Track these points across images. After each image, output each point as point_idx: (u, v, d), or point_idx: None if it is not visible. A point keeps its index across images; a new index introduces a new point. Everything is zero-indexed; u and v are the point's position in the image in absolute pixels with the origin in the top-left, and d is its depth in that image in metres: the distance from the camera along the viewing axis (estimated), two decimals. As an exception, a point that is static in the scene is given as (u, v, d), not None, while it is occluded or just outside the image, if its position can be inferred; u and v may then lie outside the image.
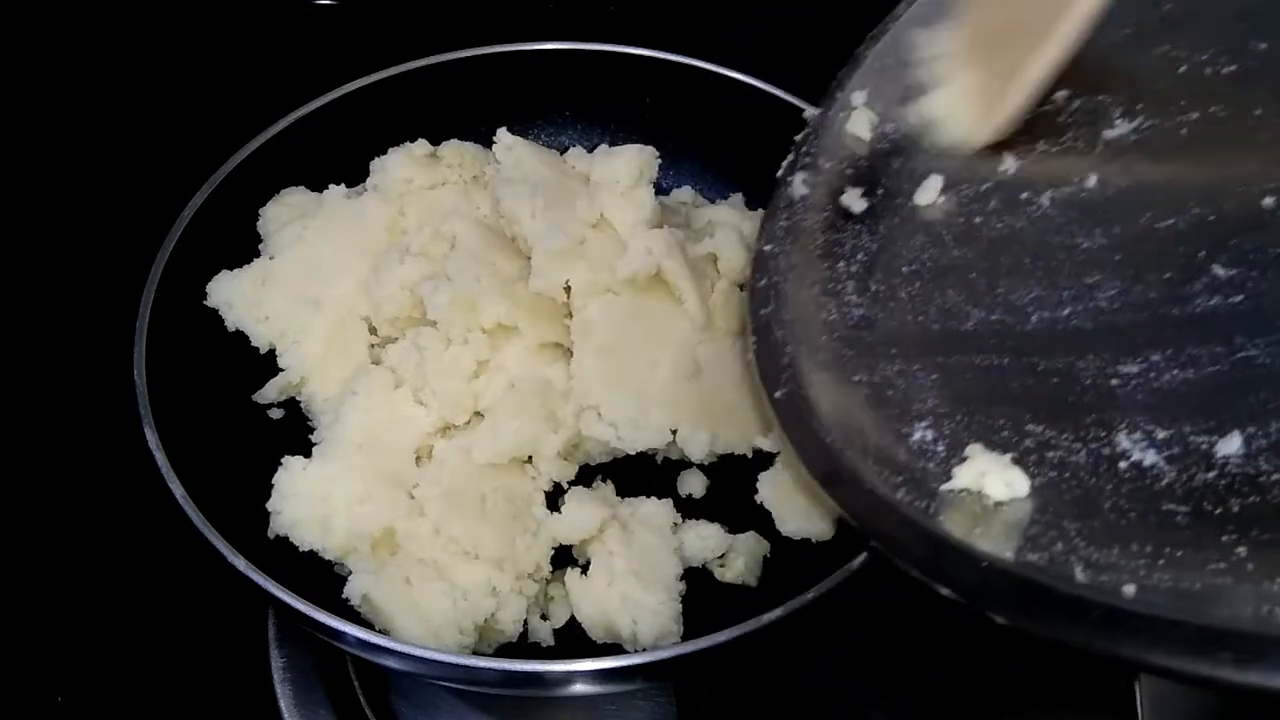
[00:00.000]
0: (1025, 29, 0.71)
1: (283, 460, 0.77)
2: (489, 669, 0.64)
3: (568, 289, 0.82)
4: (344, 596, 0.72)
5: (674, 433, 0.81)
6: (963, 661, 0.88)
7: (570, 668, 0.65)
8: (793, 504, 0.81)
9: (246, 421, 0.85)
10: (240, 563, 0.66)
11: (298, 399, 0.86)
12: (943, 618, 0.90)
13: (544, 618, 0.78)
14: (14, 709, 0.83)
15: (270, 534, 0.75)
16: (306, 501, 0.75)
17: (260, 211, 0.92)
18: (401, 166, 0.93)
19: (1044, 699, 0.85)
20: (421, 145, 0.95)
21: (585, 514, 0.77)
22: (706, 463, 0.84)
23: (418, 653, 0.63)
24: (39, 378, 1.00)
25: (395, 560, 0.74)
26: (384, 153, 0.96)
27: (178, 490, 0.69)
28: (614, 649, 0.75)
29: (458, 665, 0.64)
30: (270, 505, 0.75)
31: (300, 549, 0.75)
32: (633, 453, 0.81)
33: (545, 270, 0.81)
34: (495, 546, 0.74)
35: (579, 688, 0.67)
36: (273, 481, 0.76)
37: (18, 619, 0.87)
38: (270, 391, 0.85)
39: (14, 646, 0.85)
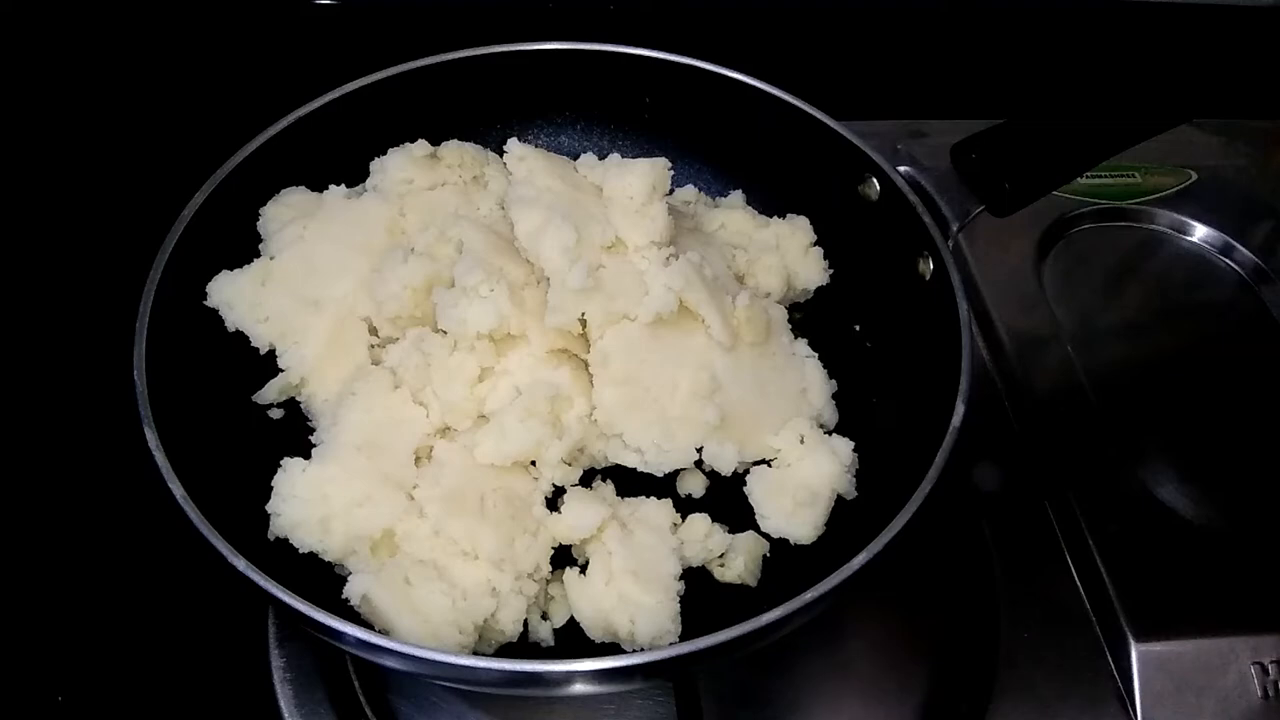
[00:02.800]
0: None
1: (282, 462, 0.77)
2: (488, 669, 0.64)
3: (583, 320, 0.82)
4: (344, 597, 0.72)
5: (700, 450, 0.82)
6: (960, 657, 0.88)
7: (570, 667, 0.64)
8: (777, 503, 0.81)
9: (246, 422, 0.85)
10: (240, 563, 0.66)
11: (298, 399, 0.86)
12: (937, 614, 0.91)
13: (544, 617, 0.78)
14: (14, 709, 0.83)
15: (270, 536, 0.75)
16: (306, 503, 0.75)
17: (260, 211, 0.92)
18: (401, 167, 0.93)
19: (1041, 693, 0.86)
20: (421, 145, 0.95)
21: (585, 514, 0.77)
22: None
23: (417, 653, 0.63)
24: (39, 377, 1.00)
25: (395, 561, 0.74)
26: (384, 153, 0.95)
27: (178, 490, 0.68)
28: (613, 648, 0.75)
29: (457, 665, 0.64)
30: (270, 507, 0.75)
31: (300, 551, 0.75)
32: (660, 475, 0.82)
33: (562, 308, 0.81)
34: (494, 547, 0.74)
35: (579, 687, 0.67)
36: (272, 483, 0.76)
37: (18, 619, 0.87)
38: (270, 392, 0.85)
39: (14, 646, 0.85)
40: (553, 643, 0.77)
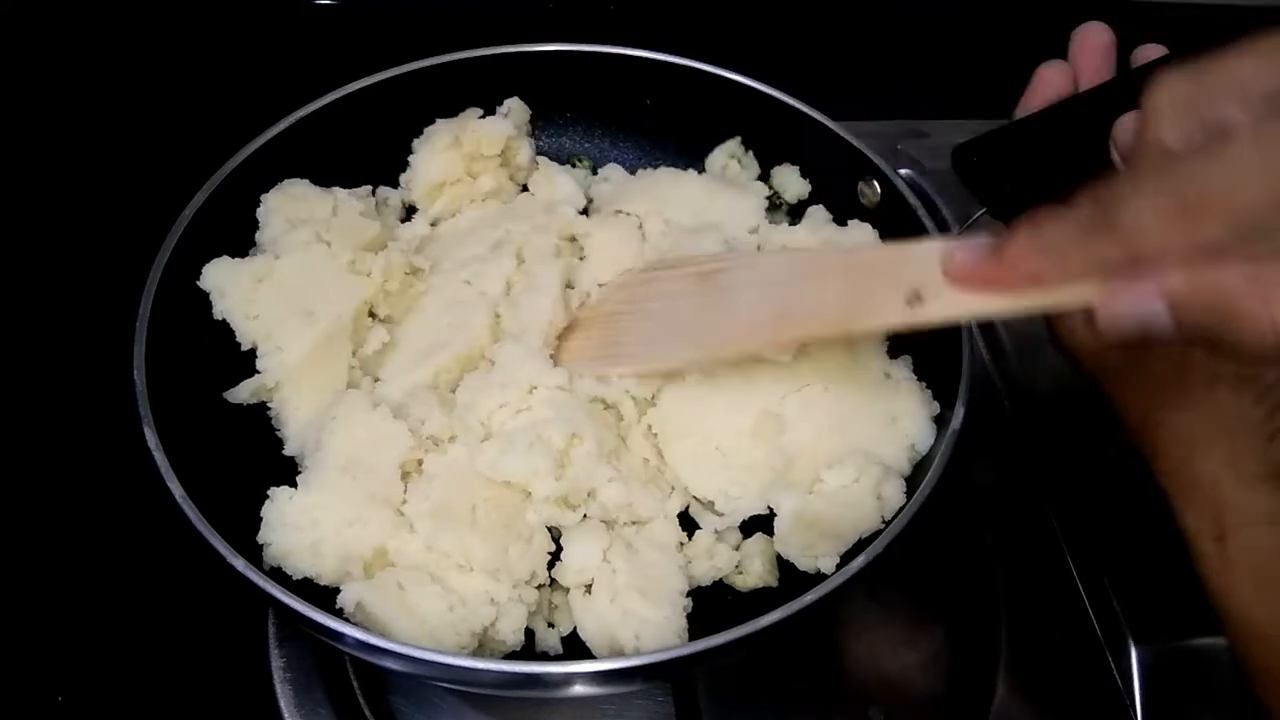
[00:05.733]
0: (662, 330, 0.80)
1: (269, 491, 0.75)
2: (489, 670, 0.64)
3: None
4: (338, 607, 0.71)
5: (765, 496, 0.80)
6: (957, 658, 0.88)
7: (569, 669, 0.64)
8: (803, 536, 0.77)
9: (246, 422, 0.84)
10: (239, 563, 0.66)
11: (268, 406, 0.84)
12: (937, 615, 0.91)
13: (550, 625, 0.77)
14: (14, 709, 0.83)
15: (264, 566, 0.73)
16: (295, 530, 0.73)
17: (262, 198, 0.90)
18: (429, 166, 0.95)
19: (1041, 693, 0.86)
20: (443, 131, 0.95)
21: (585, 551, 0.76)
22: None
23: (417, 654, 0.63)
24: (39, 377, 1.00)
25: (389, 572, 0.73)
26: (383, 153, 0.96)
27: (177, 490, 0.68)
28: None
29: (457, 667, 0.63)
30: (260, 538, 0.74)
31: (294, 578, 0.73)
32: (735, 525, 0.81)
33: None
34: (488, 556, 0.73)
35: (578, 689, 0.67)
36: (261, 514, 0.74)
37: (18, 619, 0.87)
38: (242, 391, 0.83)
39: (14, 646, 0.85)
40: (561, 650, 0.76)
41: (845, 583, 0.67)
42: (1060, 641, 0.89)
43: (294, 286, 0.85)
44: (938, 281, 0.60)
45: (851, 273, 0.69)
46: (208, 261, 0.86)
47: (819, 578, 0.70)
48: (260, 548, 0.74)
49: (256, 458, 0.81)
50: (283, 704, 0.81)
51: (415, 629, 0.69)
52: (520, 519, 0.77)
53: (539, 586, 0.76)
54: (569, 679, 0.65)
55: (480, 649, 0.72)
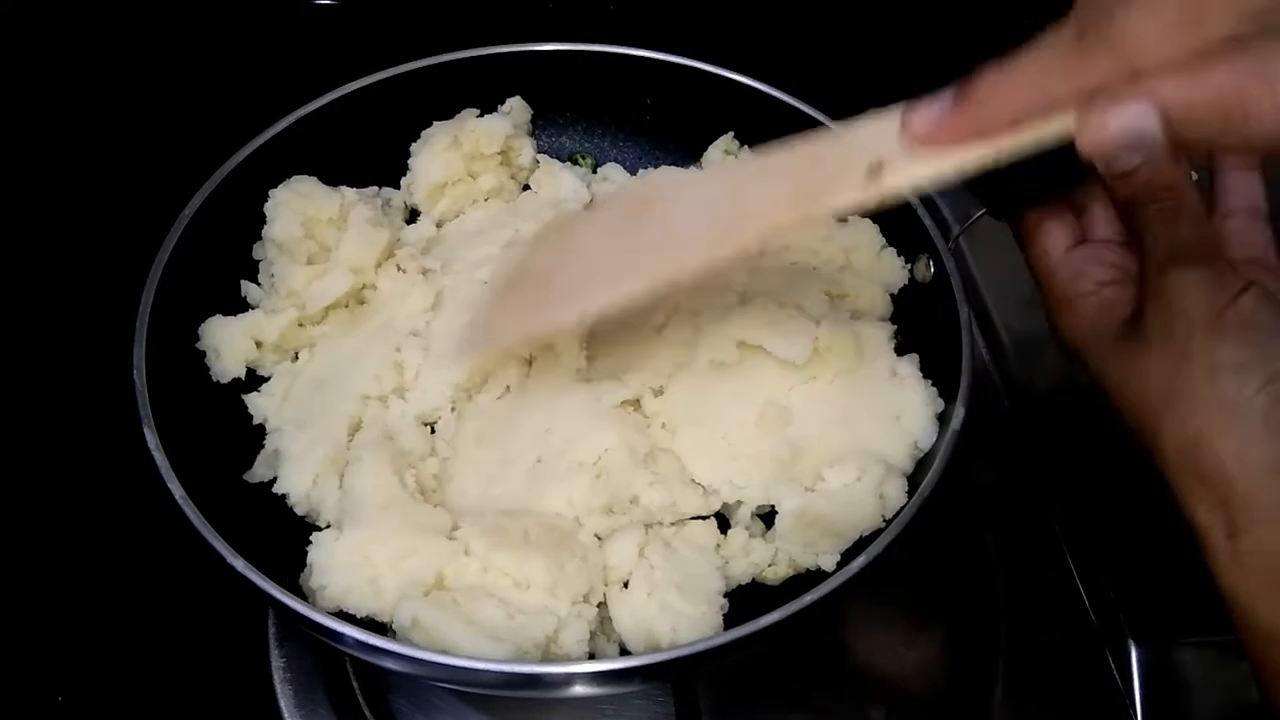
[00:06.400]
0: (550, 289, 0.71)
1: (312, 536, 0.74)
2: (489, 670, 0.64)
3: None
4: (392, 626, 0.70)
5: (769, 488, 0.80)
6: (957, 658, 0.88)
7: (570, 669, 0.65)
8: (804, 534, 0.77)
9: (247, 422, 0.85)
10: (239, 563, 0.66)
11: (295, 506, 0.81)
12: (937, 615, 0.91)
13: (607, 638, 0.75)
14: (14, 709, 0.83)
15: (321, 609, 0.69)
16: (351, 569, 0.71)
17: (270, 193, 0.89)
18: (430, 167, 0.94)
19: (1041, 693, 0.86)
20: (441, 133, 0.95)
21: (623, 548, 0.75)
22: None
23: (416, 654, 0.63)
24: (39, 377, 1.00)
25: (445, 592, 0.72)
26: (384, 154, 0.96)
27: (177, 491, 0.68)
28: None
29: (455, 667, 0.63)
30: (312, 583, 0.72)
31: (357, 617, 0.71)
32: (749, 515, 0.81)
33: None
34: (546, 573, 0.72)
35: (579, 689, 0.67)
36: (308, 559, 0.73)
37: (18, 619, 0.87)
38: (260, 470, 0.82)
39: (14, 646, 0.86)
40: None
41: (846, 583, 0.67)
42: (1060, 641, 0.89)
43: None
44: (899, 149, 0.56)
45: (802, 164, 0.62)
46: (208, 261, 0.86)
47: (820, 577, 0.70)
48: (260, 546, 0.73)
49: (257, 458, 0.81)
50: (283, 704, 0.82)
51: (475, 643, 0.68)
52: (573, 538, 0.76)
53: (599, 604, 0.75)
54: (569, 679, 0.65)
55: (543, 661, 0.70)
